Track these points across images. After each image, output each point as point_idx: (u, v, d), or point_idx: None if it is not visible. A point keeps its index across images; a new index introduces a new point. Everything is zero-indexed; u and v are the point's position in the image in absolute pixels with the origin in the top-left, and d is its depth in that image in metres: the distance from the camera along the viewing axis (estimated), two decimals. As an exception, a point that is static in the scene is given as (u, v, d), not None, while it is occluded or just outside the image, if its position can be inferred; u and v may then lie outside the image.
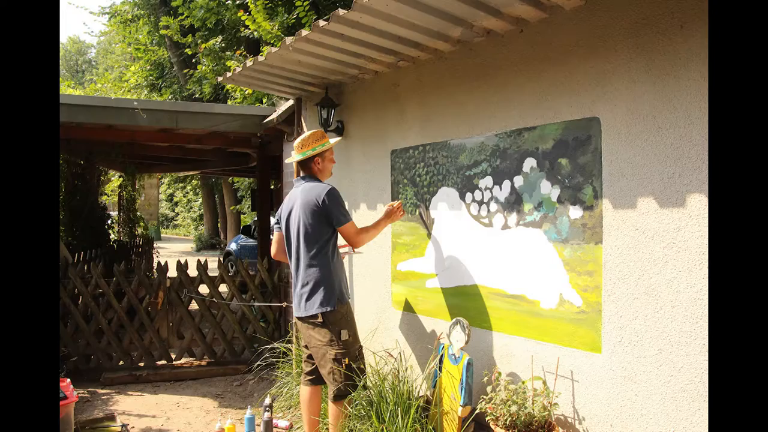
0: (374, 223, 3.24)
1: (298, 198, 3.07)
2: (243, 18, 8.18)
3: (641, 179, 2.44)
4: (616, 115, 2.54)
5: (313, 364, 3.11)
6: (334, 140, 3.30)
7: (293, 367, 4.02)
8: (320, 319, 2.94)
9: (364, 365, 3.08)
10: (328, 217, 2.98)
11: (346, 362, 2.93)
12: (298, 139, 3.15)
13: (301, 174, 3.20)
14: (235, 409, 4.12)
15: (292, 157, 3.20)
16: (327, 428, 3.10)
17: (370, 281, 4.09)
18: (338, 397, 2.94)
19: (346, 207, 3.17)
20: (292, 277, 3.11)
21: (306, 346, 3.14)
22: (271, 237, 8.43)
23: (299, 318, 3.07)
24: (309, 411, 3.15)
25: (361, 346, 3.10)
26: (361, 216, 4.14)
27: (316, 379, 3.14)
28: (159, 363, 5.03)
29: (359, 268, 4.21)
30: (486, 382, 2.93)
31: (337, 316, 2.96)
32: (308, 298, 2.98)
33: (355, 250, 3.32)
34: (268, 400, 3.54)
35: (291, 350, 4.20)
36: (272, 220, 8.65)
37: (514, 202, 3.01)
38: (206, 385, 4.73)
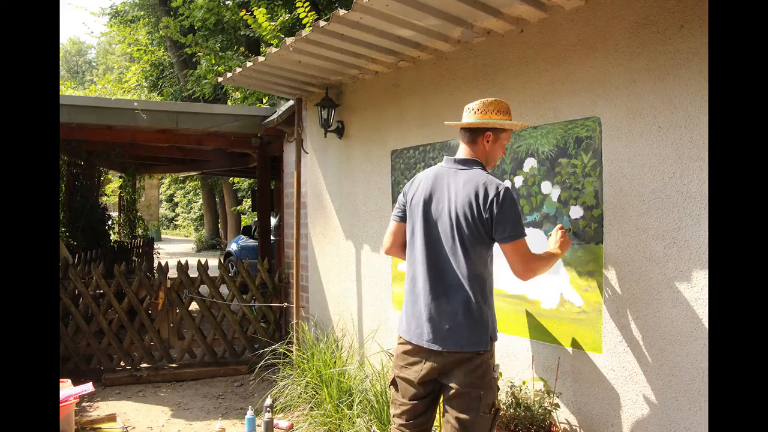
0: (546, 254, 2.39)
1: (452, 187, 2.21)
2: (245, 17, 8.19)
3: (642, 179, 2.44)
4: (616, 114, 2.54)
5: (419, 411, 2.24)
6: (518, 123, 2.40)
7: (294, 368, 4.02)
8: (479, 358, 2.13)
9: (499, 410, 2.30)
10: (495, 225, 2.13)
11: (496, 405, 2.18)
12: (477, 102, 2.32)
13: (462, 154, 2.30)
14: (236, 410, 4.12)
15: (462, 119, 2.35)
16: None
17: (370, 281, 4.09)
18: None
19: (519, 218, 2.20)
20: (412, 285, 2.30)
21: (422, 382, 2.21)
22: (273, 237, 8.39)
23: (431, 350, 2.16)
24: None
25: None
26: (361, 217, 4.13)
27: (424, 430, 2.28)
28: (159, 363, 5.03)
29: (360, 268, 4.21)
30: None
31: (493, 351, 2.23)
32: (460, 327, 2.13)
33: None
34: (268, 401, 3.54)
35: (292, 351, 4.21)
36: (273, 222, 8.70)
37: (514, 202, 3.01)
38: (207, 386, 4.73)
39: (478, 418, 2.11)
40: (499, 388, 2.41)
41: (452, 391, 2.14)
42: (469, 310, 2.14)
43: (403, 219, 2.38)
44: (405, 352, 2.25)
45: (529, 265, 2.18)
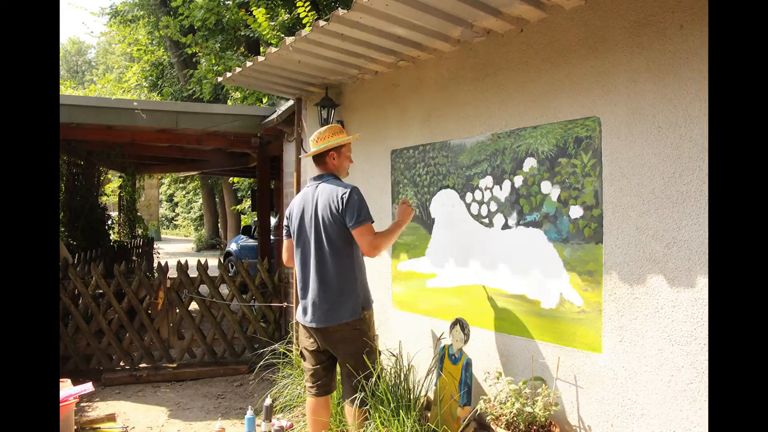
0: (389, 228, 2.92)
1: (313, 199, 2.84)
2: (244, 17, 8.19)
3: (641, 178, 2.44)
4: (616, 114, 2.53)
5: (326, 371, 2.96)
6: (351, 136, 3.03)
7: (294, 368, 4.02)
8: (352, 327, 2.77)
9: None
10: (345, 217, 2.73)
11: (375, 366, 2.82)
12: (315, 133, 2.94)
13: (318, 173, 2.95)
14: (236, 410, 4.12)
15: (309, 151, 2.99)
16: None
17: (370, 281, 4.08)
18: (365, 404, 2.80)
19: (368, 209, 2.79)
20: (301, 283, 2.89)
21: (317, 352, 2.92)
22: (272, 237, 8.41)
23: (318, 328, 2.82)
24: (322, 424, 2.97)
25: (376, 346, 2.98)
26: (362, 216, 4.13)
27: (325, 389, 2.98)
28: (159, 363, 5.03)
29: (359, 268, 4.20)
30: (487, 382, 2.94)
31: (366, 323, 2.83)
32: (334, 307, 2.76)
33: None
34: (268, 401, 3.54)
35: (291, 351, 4.20)
36: (273, 221, 8.69)
37: (514, 202, 3.01)
38: (207, 386, 4.73)
39: (359, 363, 2.79)
40: (379, 352, 2.95)
41: (339, 356, 2.85)
42: (341, 291, 2.76)
43: (290, 235, 2.98)
44: (304, 330, 2.94)
45: (372, 243, 2.72)
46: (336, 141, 2.90)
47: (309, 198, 2.87)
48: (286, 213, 3.01)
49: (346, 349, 2.80)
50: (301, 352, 3.00)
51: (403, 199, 3.08)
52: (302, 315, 2.89)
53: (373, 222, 2.77)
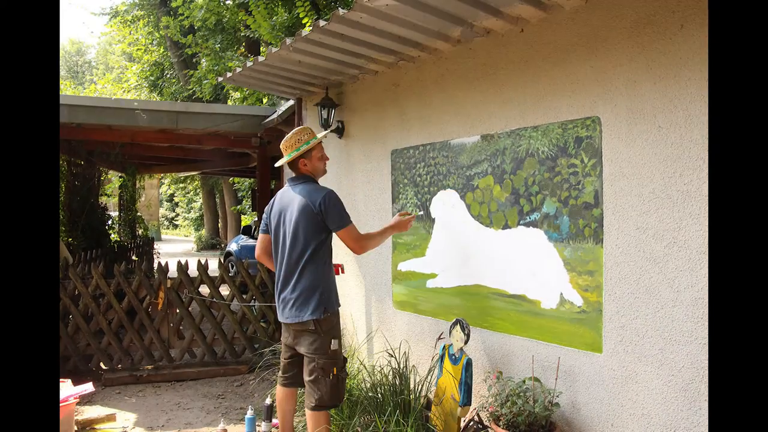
0: (380, 230, 3.05)
1: (291, 201, 2.91)
2: (244, 18, 8.20)
3: (642, 178, 2.44)
4: (616, 114, 2.53)
5: (293, 366, 3.02)
6: (320, 135, 3.04)
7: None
8: (312, 327, 2.80)
9: (346, 374, 2.98)
10: (325, 222, 2.82)
11: (334, 372, 2.82)
12: (284, 140, 2.97)
13: (294, 174, 3.02)
14: (236, 410, 4.12)
15: (282, 159, 3.02)
16: None
17: (370, 281, 4.09)
18: (318, 407, 2.81)
19: (346, 210, 2.94)
20: (278, 281, 2.94)
21: (288, 346, 3.01)
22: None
23: (287, 323, 2.93)
24: (284, 412, 3.09)
25: (345, 357, 3.00)
26: (361, 216, 4.13)
27: (293, 381, 3.05)
28: (159, 363, 5.03)
29: (360, 268, 4.21)
30: (487, 382, 2.94)
31: (328, 324, 2.84)
32: (299, 304, 2.82)
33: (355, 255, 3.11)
34: (268, 401, 3.54)
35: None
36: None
37: (514, 202, 3.01)
38: (207, 386, 4.73)
39: (317, 378, 2.80)
40: (345, 360, 2.96)
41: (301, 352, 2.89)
42: (310, 290, 2.81)
43: (266, 231, 3.09)
44: (283, 324, 3.00)
45: (358, 243, 2.89)
46: (305, 146, 2.92)
47: (286, 200, 2.95)
48: (266, 210, 3.11)
49: (307, 347, 2.83)
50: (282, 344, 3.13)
51: (405, 212, 3.22)
52: (279, 310, 2.95)
53: (351, 223, 2.88)
